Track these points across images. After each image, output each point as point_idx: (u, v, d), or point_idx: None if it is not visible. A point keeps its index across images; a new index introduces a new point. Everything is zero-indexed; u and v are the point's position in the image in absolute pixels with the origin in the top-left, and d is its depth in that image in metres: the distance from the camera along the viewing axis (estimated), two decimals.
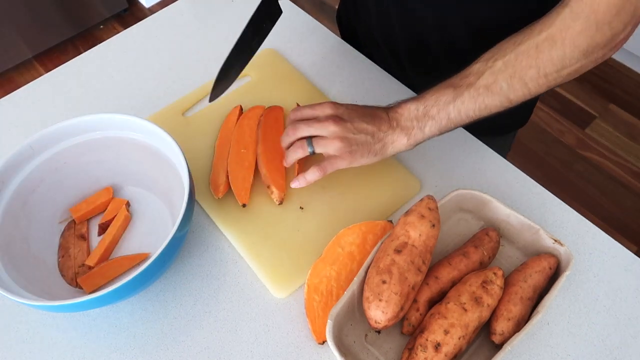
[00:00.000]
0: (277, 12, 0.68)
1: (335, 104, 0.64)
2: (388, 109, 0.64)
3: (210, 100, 0.66)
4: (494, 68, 0.58)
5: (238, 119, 0.76)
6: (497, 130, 0.87)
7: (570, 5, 0.54)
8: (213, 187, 0.70)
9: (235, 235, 0.67)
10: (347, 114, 0.63)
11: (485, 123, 0.64)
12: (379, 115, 0.64)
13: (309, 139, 0.63)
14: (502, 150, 0.93)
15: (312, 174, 0.64)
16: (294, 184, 0.66)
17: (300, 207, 0.69)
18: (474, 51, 0.62)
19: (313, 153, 0.63)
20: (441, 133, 0.63)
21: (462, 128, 0.77)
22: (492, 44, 0.60)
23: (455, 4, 0.71)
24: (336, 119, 0.62)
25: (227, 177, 0.70)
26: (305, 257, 0.65)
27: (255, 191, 0.70)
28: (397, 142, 0.63)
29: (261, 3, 0.65)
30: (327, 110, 0.63)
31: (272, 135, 0.74)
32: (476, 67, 0.60)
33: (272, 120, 0.76)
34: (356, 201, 0.69)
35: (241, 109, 0.78)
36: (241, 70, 0.69)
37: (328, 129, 0.62)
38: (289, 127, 0.65)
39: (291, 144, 0.65)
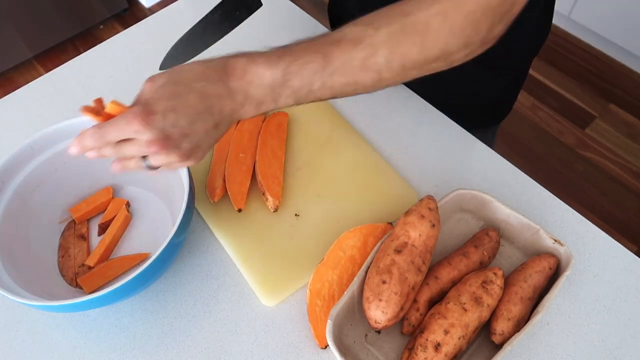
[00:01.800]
0: (256, 3, 0.65)
1: (145, 110, 0.46)
2: (230, 75, 0.50)
3: (160, 68, 0.58)
4: (375, 37, 0.49)
5: (238, 122, 0.76)
6: (479, 124, 0.85)
7: None
8: (209, 191, 0.70)
9: (228, 240, 0.67)
10: (171, 123, 0.47)
11: (467, 115, 0.60)
12: (215, 95, 0.49)
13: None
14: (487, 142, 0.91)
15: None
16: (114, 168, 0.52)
17: (296, 215, 0.68)
18: None
19: (149, 166, 0.51)
20: (297, 104, 0.53)
21: (459, 125, 0.77)
22: None
23: None
24: (160, 143, 0.47)
25: (224, 181, 0.70)
26: (296, 266, 0.64)
27: (251, 197, 0.70)
28: (244, 114, 0.52)
29: None
30: (144, 134, 0.46)
31: (271, 141, 0.73)
32: (353, 30, 0.50)
33: (274, 126, 0.75)
34: (351, 210, 0.69)
35: None
36: (201, 49, 0.61)
37: (158, 158, 0.49)
38: (92, 131, 0.48)
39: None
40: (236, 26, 0.66)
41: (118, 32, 0.96)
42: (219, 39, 0.65)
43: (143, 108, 0.47)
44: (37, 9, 2.00)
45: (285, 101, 0.51)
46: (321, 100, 0.53)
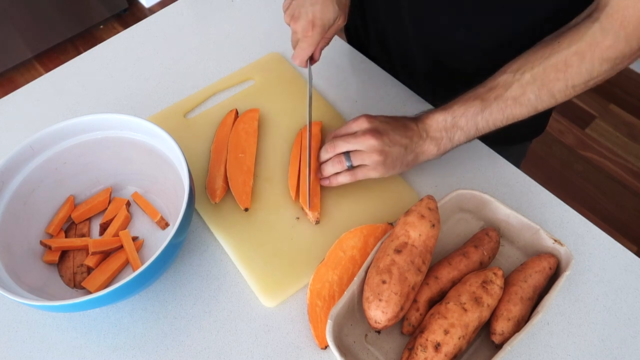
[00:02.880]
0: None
1: (369, 117, 0.65)
2: (416, 120, 0.66)
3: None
4: (522, 80, 0.60)
5: (234, 122, 0.76)
6: (512, 139, 0.86)
7: (600, 21, 0.56)
8: (209, 192, 0.69)
9: (229, 241, 0.66)
10: (383, 127, 0.64)
11: (501, 133, 0.66)
12: (410, 127, 0.65)
13: (347, 153, 0.65)
14: (517, 159, 0.93)
15: (343, 177, 0.66)
16: (324, 183, 0.68)
17: (297, 218, 0.68)
18: (494, 71, 0.63)
19: (351, 167, 0.65)
20: (468, 141, 0.65)
21: None
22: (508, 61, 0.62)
23: (476, 21, 0.71)
24: (374, 132, 0.63)
25: (224, 182, 0.70)
26: (296, 267, 0.64)
27: (252, 197, 0.70)
28: (428, 152, 0.65)
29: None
30: (364, 125, 0.64)
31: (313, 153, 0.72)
32: (503, 78, 0.61)
33: (314, 140, 0.73)
34: (351, 211, 0.69)
35: (237, 112, 0.78)
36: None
37: (366, 142, 0.63)
38: (328, 144, 0.66)
39: (328, 160, 0.67)
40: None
41: (118, 32, 0.96)
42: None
43: (367, 114, 0.65)
44: (37, 9, 2.00)
45: (459, 139, 0.64)
46: (488, 133, 0.64)
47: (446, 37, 0.74)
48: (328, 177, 0.67)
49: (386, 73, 0.84)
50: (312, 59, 0.71)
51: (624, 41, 0.55)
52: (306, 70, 0.71)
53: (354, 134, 0.64)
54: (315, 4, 0.66)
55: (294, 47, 0.69)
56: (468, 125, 0.63)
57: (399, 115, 0.67)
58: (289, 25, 0.68)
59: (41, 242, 0.65)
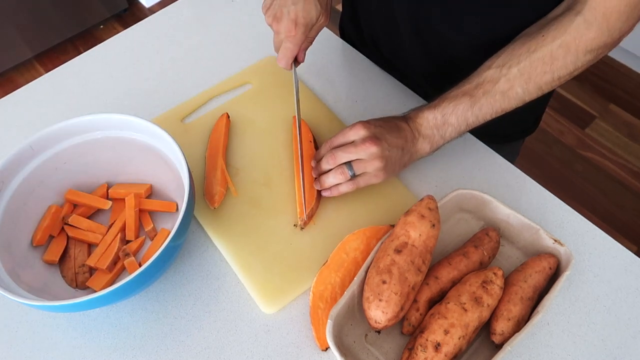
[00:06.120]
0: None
1: (365, 123, 0.64)
2: (407, 119, 0.66)
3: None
4: (509, 75, 0.61)
5: (226, 127, 0.76)
6: (505, 137, 0.86)
7: (583, 14, 0.58)
8: (208, 197, 0.69)
9: (228, 248, 0.66)
10: (379, 132, 0.63)
11: (495, 131, 0.66)
12: (402, 127, 0.65)
13: (348, 163, 0.64)
14: (511, 158, 0.93)
15: (345, 187, 0.65)
16: (326, 193, 0.67)
17: (295, 225, 0.68)
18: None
19: (354, 176, 0.64)
20: (460, 136, 0.66)
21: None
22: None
23: (473, 21, 0.70)
24: (373, 139, 0.62)
25: (223, 186, 0.69)
26: (296, 273, 0.64)
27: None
28: (421, 150, 0.66)
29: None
30: (361, 132, 0.63)
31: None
32: (489, 73, 0.62)
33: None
34: (350, 215, 0.68)
35: (228, 116, 0.77)
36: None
37: (367, 151, 0.62)
38: (328, 155, 0.65)
39: (329, 171, 0.66)
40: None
41: (118, 32, 0.96)
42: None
43: (361, 121, 0.64)
44: (37, 9, 2.00)
45: (450, 135, 0.65)
46: (479, 127, 0.66)
47: (439, 34, 0.73)
48: (329, 188, 0.66)
49: (382, 70, 0.84)
50: (296, 61, 0.70)
51: (607, 32, 0.57)
52: (305, 68, 0.70)
53: (352, 143, 0.64)
54: (296, 3, 0.64)
55: (277, 50, 0.68)
56: (459, 122, 0.64)
57: (389, 116, 0.67)
58: (271, 26, 0.67)
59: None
